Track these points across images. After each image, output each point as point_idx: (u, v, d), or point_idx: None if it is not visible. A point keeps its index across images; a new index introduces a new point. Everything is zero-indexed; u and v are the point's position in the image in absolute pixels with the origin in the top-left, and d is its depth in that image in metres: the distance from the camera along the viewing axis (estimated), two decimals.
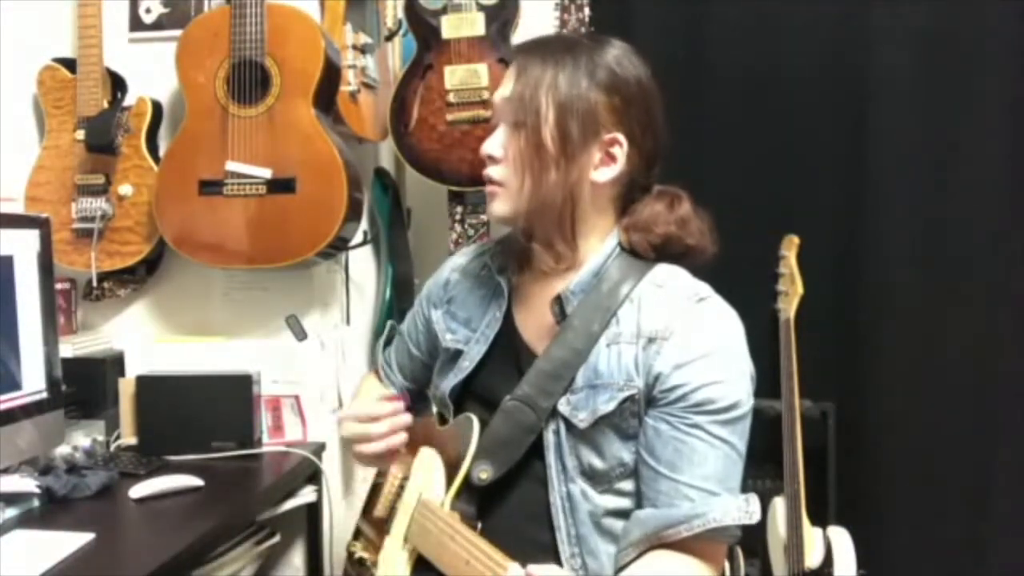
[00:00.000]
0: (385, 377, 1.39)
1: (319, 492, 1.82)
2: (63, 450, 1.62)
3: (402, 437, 1.16)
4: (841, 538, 1.89)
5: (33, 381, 1.47)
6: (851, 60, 2.03)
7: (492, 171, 1.11)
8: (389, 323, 1.47)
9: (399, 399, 1.18)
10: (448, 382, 1.19)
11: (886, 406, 2.03)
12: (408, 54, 2.00)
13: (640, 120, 1.08)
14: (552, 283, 1.12)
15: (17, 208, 1.85)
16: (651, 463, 1.03)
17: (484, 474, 1.07)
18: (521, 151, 1.07)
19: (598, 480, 1.06)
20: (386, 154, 2.22)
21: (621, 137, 1.07)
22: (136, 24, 1.93)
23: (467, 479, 1.07)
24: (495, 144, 1.10)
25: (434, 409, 1.27)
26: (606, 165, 1.07)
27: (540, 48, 1.10)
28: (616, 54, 1.08)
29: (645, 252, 1.09)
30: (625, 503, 1.07)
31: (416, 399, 1.38)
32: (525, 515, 1.09)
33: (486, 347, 1.16)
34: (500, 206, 1.11)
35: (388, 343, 1.42)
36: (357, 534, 1.33)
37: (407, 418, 1.16)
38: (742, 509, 1.01)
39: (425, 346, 1.32)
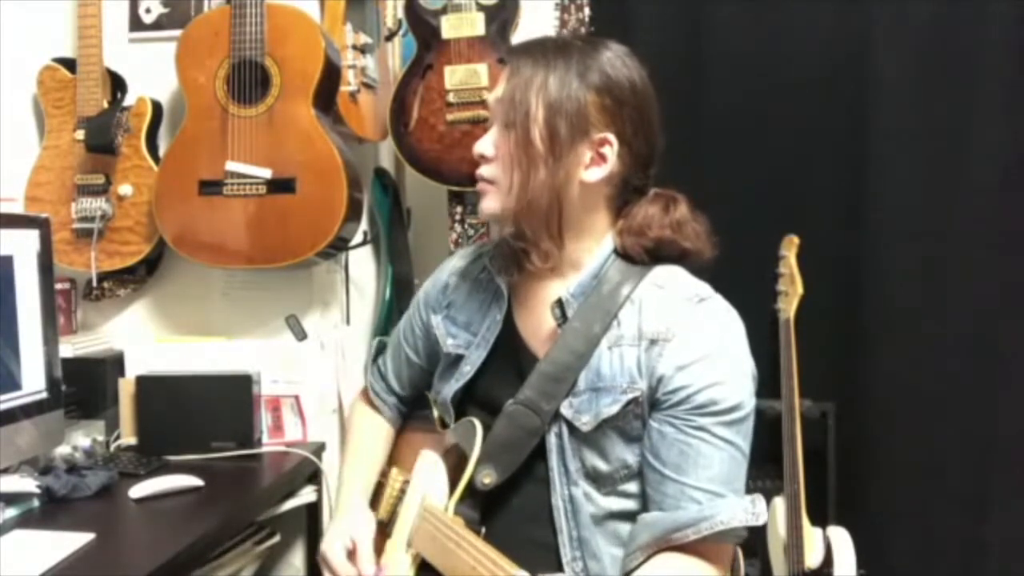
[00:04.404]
0: (375, 396, 1.37)
1: (319, 492, 1.82)
2: (63, 450, 1.62)
3: None
4: (841, 538, 1.89)
5: (33, 381, 1.47)
6: (851, 60, 2.03)
7: (483, 170, 1.12)
8: (377, 339, 1.47)
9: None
10: (450, 387, 1.18)
11: (886, 406, 2.02)
12: (408, 54, 2.00)
13: (632, 121, 1.08)
14: (551, 285, 1.12)
15: (17, 208, 1.85)
16: (656, 466, 1.03)
17: (488, 479, 1.07)
18: (511, 150, 1.07)
19: (602, 482, 1.06)
20: (386, 154, 2.22)
21: (612, 137, 1.06)
22: (136, 24, 1.93)
23: (471, 483, 1.07)
24: (487, 143, 1.11)
25: (434, 412, 1.26)
26: (596, 165, 1.07)
27: (533, 49, 1.10)
28: (609, 56, 1.08)
29: (639, 256, 1.09)
30: (630, 505, 1.07)
31: (414, 403, 1.38)
32: (527, 518, 1.09)
33: (487, 351, 1.16)
34: (490, 203, 1.11)
35: (376, 358, 1.41)
36: None
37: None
38: (748, 511, 1.01)
39: (424, 351, 1.31)
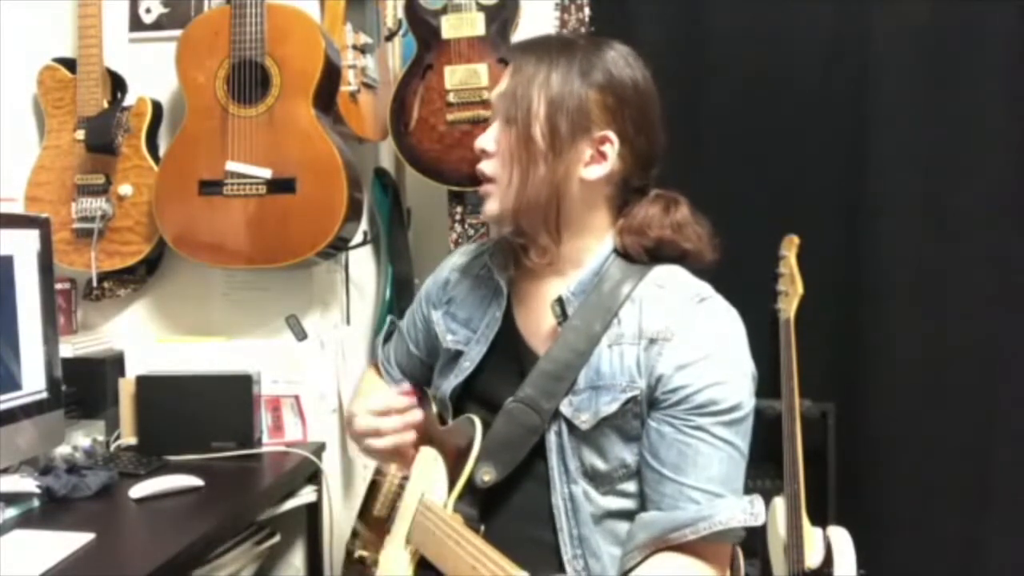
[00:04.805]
0: (385, 372, 1.39)
1: (319, 492, 1.81)
2: (63, 450, 1.62)
3: (411, 436, 1.15)
4: (841, 538, 1.89)
5: (33, 381, 1.47)
6: (851, 59, 2.04)
7: (484, 165, 1.12)
8: (389, 318, 1.47)
9: (412, 394, 1.17)
10: (449, 383, 1.18)
11: (886, 406, 2.03)
12: (408, 54, 2.00)
13: (634, 120, 1.08)
14: (551, 283, 1.12)
15: (17, 208, 1.85)
16: (655, 466, 1.03)
17: (487, 476, 1.07)
18: (512, 145, 1.07)
19: (600, 481, 1.06)
20: (386, 154, 2.22)
21: (612, 135, 1.06)
22: (136, 24, 1.93)
23: (470, 481, 1.07)
24: (488, 139, 1.11)
25: (434, 408, 1.26)
26: (596, 163, 1.07)
27: (537, 47, 1.10)
28: (613, 55, 1.08)
29: (638, 255, 1.09)
30: (628, 504, 1.07)
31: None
32: (527, 516, 1.08)
33: (486, 347, 1.16)
34: (492, 204, 1.11)
35: (388, 338, 1.42)
36: (354, 534, 1.33)
37: (418, 415, 1.15)
38: (747, 511, 1.01)
39: (424, 345, 1.31)
